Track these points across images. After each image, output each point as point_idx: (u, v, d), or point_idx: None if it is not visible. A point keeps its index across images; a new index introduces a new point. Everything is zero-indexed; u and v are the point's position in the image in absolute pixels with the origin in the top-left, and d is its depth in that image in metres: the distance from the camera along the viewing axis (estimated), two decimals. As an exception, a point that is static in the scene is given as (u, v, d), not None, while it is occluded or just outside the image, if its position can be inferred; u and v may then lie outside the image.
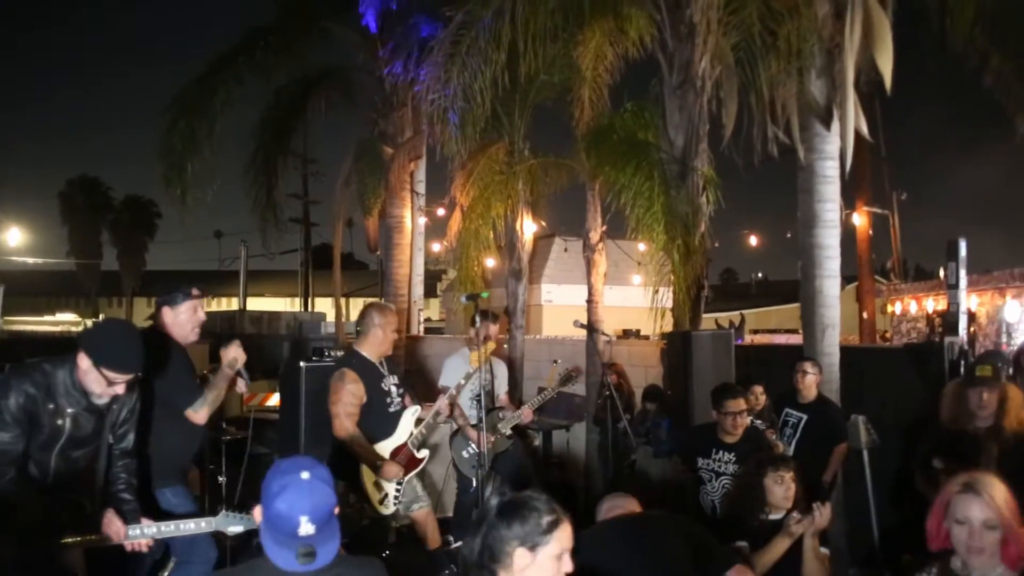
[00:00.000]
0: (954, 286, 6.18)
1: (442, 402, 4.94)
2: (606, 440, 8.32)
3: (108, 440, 3.26)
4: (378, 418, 4.62)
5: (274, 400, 11.60)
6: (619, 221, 8.92)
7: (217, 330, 18.80)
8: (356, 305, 30.15)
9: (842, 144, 6.26)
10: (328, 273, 29.35)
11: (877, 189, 15.23)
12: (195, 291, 3.88)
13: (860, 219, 14.55)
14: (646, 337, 11.38)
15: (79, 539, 3.02)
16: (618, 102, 9.03)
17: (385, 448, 4.62)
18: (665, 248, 7.52)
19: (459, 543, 5.69)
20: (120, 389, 3.11)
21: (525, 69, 8.03)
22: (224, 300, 36.81)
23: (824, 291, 6.64)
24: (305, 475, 1.95)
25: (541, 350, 10.29)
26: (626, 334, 13.57)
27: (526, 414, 5.57)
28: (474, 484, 5.41)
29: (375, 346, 4.66)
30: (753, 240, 12.34)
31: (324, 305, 31.27)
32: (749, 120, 6.75)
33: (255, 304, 27.98)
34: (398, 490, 4.61)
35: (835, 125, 6.33)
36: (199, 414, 3.74)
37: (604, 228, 9.06)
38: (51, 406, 3.05)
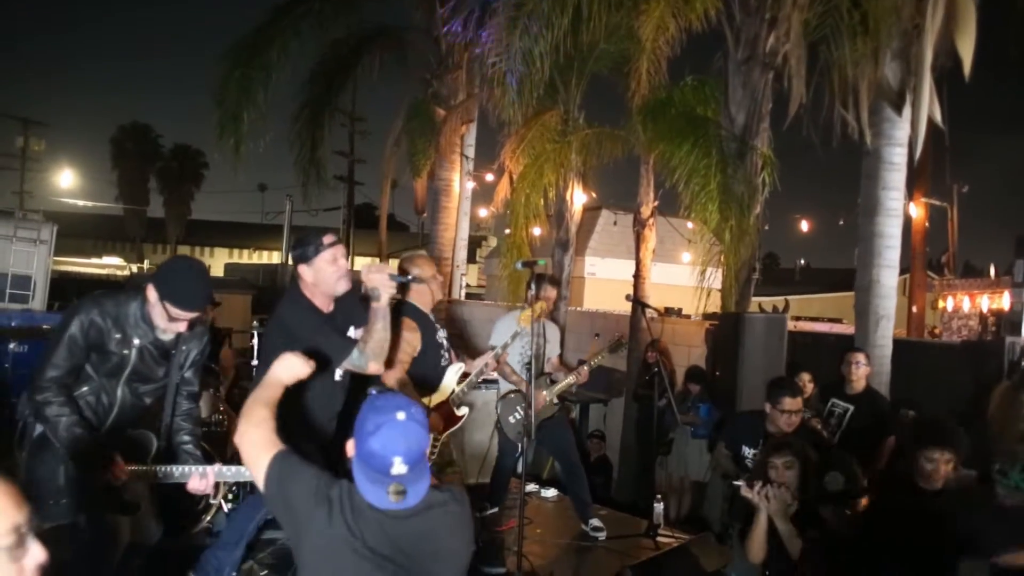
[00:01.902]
0: (1020, 284, 5.98)
1: (487, 358, 4.83)
2: (645, 417, 8.28)
3: (176, 381, 3.29)
4: (430, 371, 4.53)
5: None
6: (670, 197, 8.81)
7: (259, 282, 19.11)
8: (395, 265, 30.28)
9: (912, 131, 6.05)
10: (369, 232, 29.54)
11: (935, 180, 14.78)
12: (327, 238, 3.39)
13: (917, 210, 14.14)
14: (687, 316, 11.26)
15: (141, 468, 3.07)
16: (676, 75, 8.85)
17: (431, 402, 4.56)
18: (717, 228, 7.39)
19: (494, 510, 5.69)
20: (182, 327, 3.13)
21: (587, 36, 7.88)
22: (266, 253, 37.24)
23: (881, 281, 6.48)
24: (401, 415, 1.97)
25: (583, 323, 10.24)
26: (667, 312, 13.44)
27: (583, 374, 5.45)
28: (518, 449, 5.38)
29: (423, 295, 4.54)
30: (804, 226, 12.05)
31: (363, 264, 31.43)
32: (815, 100, 6.56)
33: (296, 259, 28.24)
34: (434, 447, 4.58)
35: (906, 110, 6.13)
36: (367, 367, 3.32)
37: (656, 203, 8.92)
38: (118, 335, 3.10)
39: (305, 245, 3.39)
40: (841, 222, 15.53)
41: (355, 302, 3.52)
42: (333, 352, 3.33)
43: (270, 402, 2.34)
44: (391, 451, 1.94)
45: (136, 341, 3.14)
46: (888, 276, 6.48)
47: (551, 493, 6.49)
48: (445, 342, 4.67)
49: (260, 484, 2.11)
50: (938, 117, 5.92)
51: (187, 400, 3.36)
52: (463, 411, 4.69)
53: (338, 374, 3.52)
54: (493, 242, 27.82)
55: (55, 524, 2.90)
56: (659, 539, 5.28)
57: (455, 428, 4.71)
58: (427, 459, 2.05)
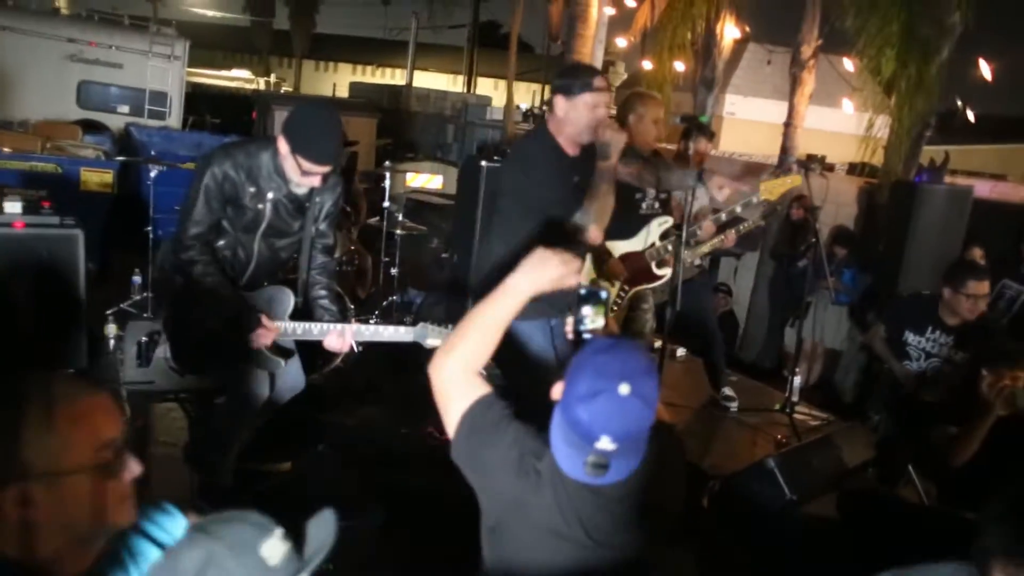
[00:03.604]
0: None
1: (707, 223, 4.40)
2: (781, 276, 7.85)
3: (311, 235, 3.17)
4: (622, 213, 4.05)
5: (435, 183, 11.66)
6: (832, 33, 7.85)
7: (384, 104, 18.93)
8: (518, 88, 29.44)
9: None
10: (492, 51, 28.55)
11: None
12: (599, 81, 3.12)
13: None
14: (831, 167, 10.41)
15: (281, 324, 3.03)
16: None
17: (618, 249, 4.25)
18: (893, 77, 6.56)
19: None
20: (315, 181, 2.97)
21: None
22: (388, 71, 36.86)
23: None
24: (624, 389, 1.52)
25: (720, 169, 9.57)
26: (809, 159, 12.51)
27: (729, 239, 5.04)
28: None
29: (641, 136, 4.17)
30: (987, 72, 10.54)
31: (485, 86, 30.71)
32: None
33: (418, 78, 27.77)
34: (620, 298, 4.32)
35: None
36: (591, 231, 3.14)
37: (819, 42, 7.96)
38: (252, 189, 2.98)
39: (573, 77, 3.14)
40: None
41: (590, 157, 3.27)
42: (568, 202, 3.15)
43: (496, 321, 1.81)
44: (600, 428, 1.53)
45: (270, 195, 3.01)
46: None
47: (681, 352, 6.30)
48: (653, 188, 4.30)
49: (449, 431, 1.76)
50: None
51: (322, 253, 3.26)
52: (664, 271, 4.32)
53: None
54: (622, 69, 26.42)
55: (195, 381, 2.89)
56: (795, 416, 5.03)
57: (651, 287, 4.40)
58: (646, 434, 1.61)
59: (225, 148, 3.03)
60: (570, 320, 1.83)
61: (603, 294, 1.80)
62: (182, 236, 2.90)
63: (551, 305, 2.91)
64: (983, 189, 12.69)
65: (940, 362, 4.20)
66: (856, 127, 7.53)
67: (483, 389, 1.78)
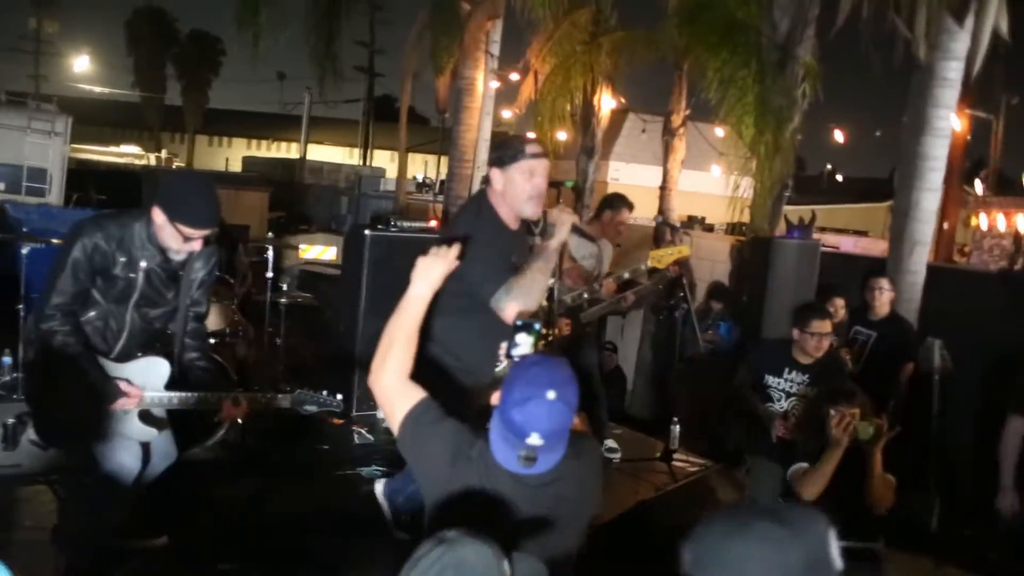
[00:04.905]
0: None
1: (607, 282, 4.49)
2: (663, 331, 8.20)
3: (186, 304, 3.18)
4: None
5: (329, 254, 11.68)
6: (702, 103, 8.43)
7: (278, 177, 18.90)
8: (414, 160, 29.90)
9: (973, 44, 5.61)
10: (388, 125, 29.00)
11: (983, 89, 13.92)
12: (531, 148, 2.98)
13: (959, 122, 13.46)
14: (710, 228, 11.01)
15: (157, 395, 3.02)
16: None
17: None
18: (752, 143, 7.09)
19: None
20: (197, 245, 3.00)
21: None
22: (284, 144, 36.79)
23: (921, 205, 6.18)
24: (551, 395, 1.90)
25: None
26: (690, 220, 13.16)
27: (628, 299, 5.06)
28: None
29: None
30: (840, 136, 11.49)
31: (382, 158, 31.02)
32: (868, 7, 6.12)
33: (314, 152, 27.86)
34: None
35: (969, 21, 5.66)
36: (505, 309, 2.81)
37: (687, 112, 8.55)
38: (124, 259, 2.97)
39: (504, 149, 3.04)
40: (878, 133, 14.92)
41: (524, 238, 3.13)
42: (492, 281, 2.87)
43: (409, 329, 2.19)
44: (531, 427, 1.90)
45: (143, 264, 3.01)
46: (929, 200, 6.18)
47: (568, 409, 6.46)
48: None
49: (394, 432, 2.12)
50: (1004, 28, 5.47)
51: (194, 320, 3.27)
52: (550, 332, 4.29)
53: None
54: (515, 140, 27.23)
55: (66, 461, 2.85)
56: (674, 463, 5.24)
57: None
58: (567, 432, 1.98)
59: (96, 219, 3.03)
60: (504, 345, 2.25)
61: (536, 325, 2.19)
62: (44, 306, 2.88)
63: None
64: (848, 244, 13.62)
65: (798, 400, 4.50)
66: (727, 189, 8.05)
67: (420, 393, 2.13)
